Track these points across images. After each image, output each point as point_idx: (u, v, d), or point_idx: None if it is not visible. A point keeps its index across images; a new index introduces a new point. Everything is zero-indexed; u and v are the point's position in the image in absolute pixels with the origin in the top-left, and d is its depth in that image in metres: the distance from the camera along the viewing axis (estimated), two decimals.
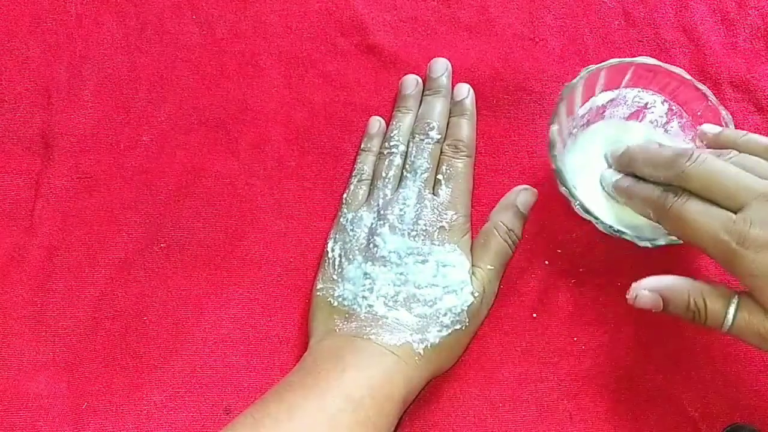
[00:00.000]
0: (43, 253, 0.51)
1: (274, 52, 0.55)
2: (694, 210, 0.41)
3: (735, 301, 0.40)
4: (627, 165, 0.47)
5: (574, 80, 0.46)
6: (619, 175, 0.47)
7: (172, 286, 0.50)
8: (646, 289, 0.42)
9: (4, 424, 0.47)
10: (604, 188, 0.48)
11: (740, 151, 0.43)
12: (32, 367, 0.49)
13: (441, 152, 0.50)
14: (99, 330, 0.49)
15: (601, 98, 0.49)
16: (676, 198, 0.42)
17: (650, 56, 0.51)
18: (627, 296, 0.43)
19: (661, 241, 0.44)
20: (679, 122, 0.49)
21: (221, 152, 0.53)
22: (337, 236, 0.49)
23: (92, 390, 0.48)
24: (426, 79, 0.53)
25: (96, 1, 0.56)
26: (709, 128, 0.47)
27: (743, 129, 0.52)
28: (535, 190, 0.49)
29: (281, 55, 0.55)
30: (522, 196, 0.49)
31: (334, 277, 0.48)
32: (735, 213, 0.40)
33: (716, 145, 0.46)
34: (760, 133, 0.52)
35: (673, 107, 0.48)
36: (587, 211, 0.45)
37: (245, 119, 0.53)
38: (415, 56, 0.54)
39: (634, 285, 0.43)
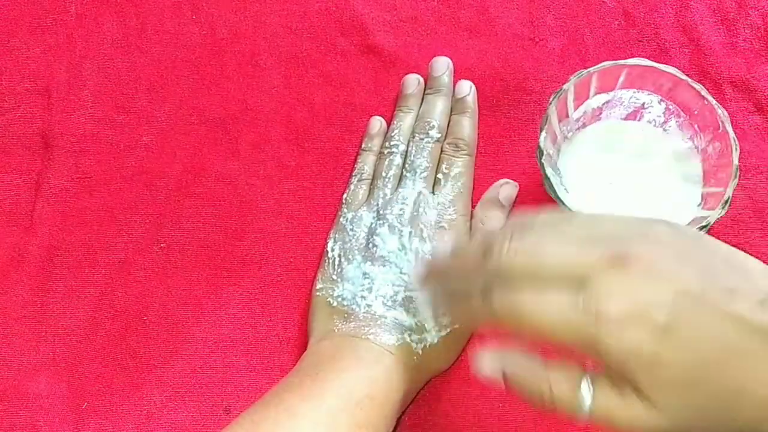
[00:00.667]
0: (43, 253, 0.51)
1: (274, 52, 0.55)
2: (530, 302, 0.33)
3: (586, 380, 0.33)
4: (429, 281, 0.40)
5: (564, 86, 0.46)
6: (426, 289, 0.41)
7: (172, 286, 0.50)
8: (488, 361, 0.36)
9: (4, 424, 0.47)
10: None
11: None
12: (32, 367, 0.49)
13: (441, 151, 0.50)
14: (99, 330, 0.49)
15: (596, 100, 0.49)
16: (495, 293, 0.34)
17: (650, 56, 0.51)
18: (471, 365, 0.37)
19: None
20: (676, 121, 0.49)
21: (221, 152, 0.53)
22: (336, 236, 0.49)
23: (92, 390, 0.48)
24: (427, 79, 0.53)
25: (96, 1, 0.56)
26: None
27: (743, 129, 0.52)
28: (516, 183, 0.49)
29: (281, 55, 0.55)
30: (504, 190, 0.49)
31: (334, 277, 0.48)
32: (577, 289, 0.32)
33: (488, 213, 0.44)
34: (760, 134, 0.52)
35: (670, 107, 0.48)
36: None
37: (245, 119, 0.53)
38: (415, 56, 0.54)
39: (479, 352, 0.37)
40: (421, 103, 0.52)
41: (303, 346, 0.48)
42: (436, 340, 0.45)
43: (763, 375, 0.31)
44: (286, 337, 0.49)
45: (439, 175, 0.50)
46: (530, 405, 0.35)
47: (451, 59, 0.53)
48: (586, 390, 0.33)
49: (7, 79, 0.54)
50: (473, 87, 0.52)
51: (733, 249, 0.34)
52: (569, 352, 0.33)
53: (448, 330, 0.45)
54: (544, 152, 0.45)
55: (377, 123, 0.52)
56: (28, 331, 0.49)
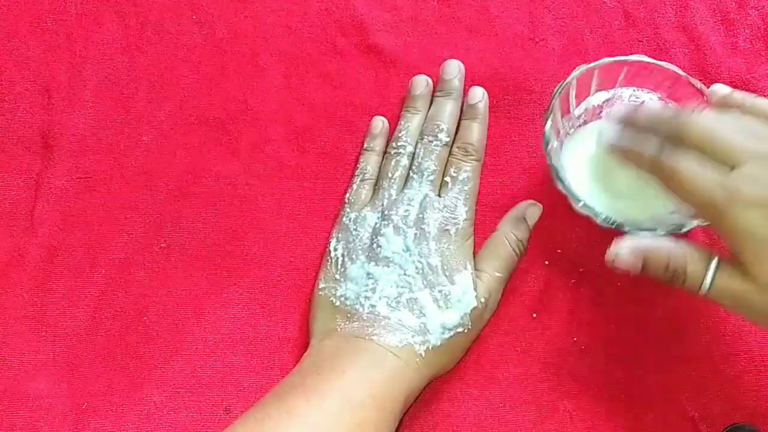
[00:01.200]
0: (43, 253, 0.51)
1: (274, 52, 0.55)
2: (689, 163, 0.39)
3: (714, 263, 0.40)
4: (629, 122, 0.45)
5: (567, 79, 0.46)
6: (619, 131, 0.46)
7: (172, 286, 0.50)
8: (626, 248, 0.41)
9: (4, 424, 0.47)
10: (600, 145, 0.47)
11: (745, 113, 0.42)
12: (32, 367, 0.49)
13: (450, 154, 0.50)
14: (99, 330, 0.49)
15: (596, 98, 0.49)
16: (672, 151, 0.41)
17: (650, 56, 0.51)
18: (606, 257, 0.42)
19: (661, 233, 0.44)
20: None
21: (221, 152, 0.53)
22: (339, 235, 0.49)
23: (92, 390, 0.48)
24: (437, 80, 0.53)
25: (96, 1, 0.56)
26: (720, 88, 0.46)
27: None
28: (541, 206, 0.50)
29: (281, 55, 0.55)
30: (531, 210, 0.50)
31: (337, 276, 0.48)
32: (730, 170, 0.38)
33: (722, 105, 0.45)
34: None
35: (670, 104, 0.48)
36: (584, 205, 0.45)
37: (245, 119, 0.53)
38: (416, 56, 0.54)
39: (613, 245, 0.42)
40: (430, 105, 0.52)
41: (303, 346, 0.48)
42: (439, 343, 0.45)
43: None
44: (286, 337, 0.49)
45: (447, 179, 0.50)
46: (661, 282, 0.41)
47: (451, 59, 0.53)
48: (713, 268, 0.39)
49: (7, 79, 0.54)
50: (486, 94, 0.52)
51: None
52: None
53: (452, 333, 0.45)
54: (550, 143, 0.45)
55: (380, 123, 0.52)
56: (28, 331, 0.49)
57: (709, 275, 0.39)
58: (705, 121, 0.40)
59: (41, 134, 0.53)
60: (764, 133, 0.40)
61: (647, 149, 0.42)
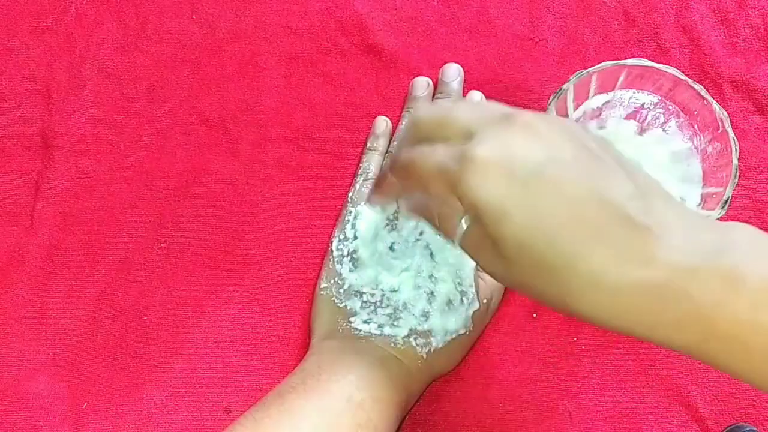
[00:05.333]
0: (43, 253, 0.51)
1: (274, 52, 0.55)
2: (422, 151, 0.35)
3: (465, 219, 0.34)
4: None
5: (564, 86, 0.46)
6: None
7: (172, 286, 0.50)
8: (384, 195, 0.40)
9: (4, 424, 0.47)
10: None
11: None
12: (32, 367, 0.49)
13: None
14: (99, 330, 0.49)
15: (595, 101, 0.49)
16: (407, 149, 0.36)
17: (650, 56, 0.51)
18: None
19: None
20: (676, 121, 0.49)
21: (221, 152, 0.53)
22: (341, 235, 0.49)
23: (92, 390, 0.48)
24: (437, 83, 0.53)
25: (96, 1, 0.56)
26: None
27: (743, 129, 0.52)
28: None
29: (281, 55, 0.55)
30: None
31: (338, 276, 0.48)
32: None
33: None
34: (760, 134, 0.52)
35: (670, 107, 0.48)
36: None
37: (245, 119, 0.53)
38: (415, 56, 0.54)
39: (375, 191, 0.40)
40: None
41: (303, 346, 0.48)
42: (441, 344, 0.45)
43: (600, 254, 0.30)
44: (286, 337, 0.49)
45: None
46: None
47: (451, 59, 0.53)
48: (462, 227, 0.34)
49: (7, 78, 0.54)
50: (483, 98, 0.52)
51: (631, 161, 0.34)
52: None
53: (454, 335, 0.45)
54: None
55: (383, 123, 0.52)
56: (28, 331, 0.49)
57: (462, 224, 0.34)
58: (431, 108, 0.36)
59: (41, 134, 0.53)
60: (487, 107, 0.35)
61: (389, 159, 0.38)
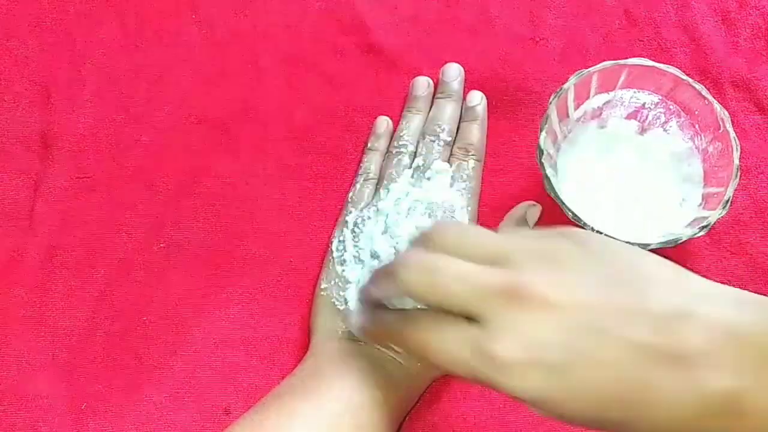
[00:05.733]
0: (43, 253, 0.51)
1: (274, 52, 0.55)
2: (426, 329, 0.33)
3: None
4: (366, 294, 0.38)
5: (565, 85, 0.46)
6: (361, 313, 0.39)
7: (172, 286, 0.50)
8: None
9: (4, 424, 0.47)
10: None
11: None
12: (32, 367, 0.49)
13: (450, 155, 0.50)
14: (99, 330, 0.49)
15: (596, 100, 0.49)
16: (404, 320, 0.34)
17: (651, 56, 0.51)
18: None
19: (653, 246, 0.44)
20: (677, 121, 0.49)
21: (221, 152, 0.53)
22: (342, 235, 0.49)
23: (92, 390, 0.48)
24: (437, 83, 0.53)
25: (96, 1, 0.56)
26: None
27: (744, 129, 0.52)
28: (541, 206, 0.49)
29: (281, 55, 0.55)
30: (531, 211, 0.49)
31: (339, 276, 0.48)
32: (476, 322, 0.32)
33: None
34: (761, 133, 0.52)
35: (671, 106, 0.48)
36: (576, 218, 0.45)
37: (245, 119, 0.53)
38: (416, 56, 0.54)
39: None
40: (430, 107, 0.52)
41: (303, 346, 0.48)
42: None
43: (662, 398, 0.30)
44: (286, 337, 0.49)
45: None
46: None
47: (451, 59, 0.53)
48: None
49: (7, 78, 0.54)
50: (484, 98, 0.52)
51: (637, 255, 0.33)
52: None
53: None
54: (545, 152, 0.45)
55: (384, 123, 0.52)
56: (28, 331, 0.49)
57: None
58: (415, 272, 0.33)
59: (41, 134, 0.53)
60: (482, 249, 0.33)
61: (382, 321, 0.36)
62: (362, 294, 0.38)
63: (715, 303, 0.31)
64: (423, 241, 0.35)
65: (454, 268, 0.32)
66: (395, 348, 0.39)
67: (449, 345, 0.32)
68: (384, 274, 0.35)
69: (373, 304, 0.37)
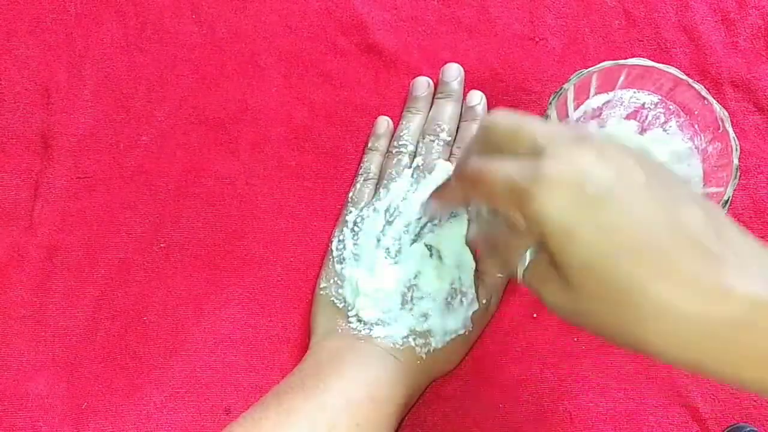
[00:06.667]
0: (43, 253, 0.51)
1: (274, 52, 0.55)
2: (492, 162, 0.33)
3: (531, 250, 0.34)
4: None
5: (565, 86, 0.46)
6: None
7: (172, 286, 0.50)
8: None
9: (4, 424, 0.47)
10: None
11: None
12: (32, 367, 0.49)
13: (451, 154, 0.50)
14: (99, 330, 0.49)
15: (596, 100, 0.49)
16: (475, 158, 0.35)
17: (650, 56, 0.51)
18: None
19: None
20: (677, 121, 0.49)
21: (221, 152, 0.53)
22: (341, 235, 0.49)
23: (92, 390, 0.48)
24: (437, 83, 0.53)
25: (96, 1, 0.56)
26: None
27: (743, 129, 0.52)
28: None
29: (281, 55, 0.55)
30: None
31: (338, 276, 0.48)
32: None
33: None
34: (761, 134, 0.52)
35: (671, 106, 0.48)
36: None
37: (245, 119, 0.53)
38: (416, 56, 0.54)
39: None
40: (430, 107, 0.52)
41: (303, 346, 0.48)
42: (440, 345, 0.45)
43: (673, 280, 0.29)
44: (286, 337, 0.49)
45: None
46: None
47: (451, 59, 0.53)
48: (526, 258, 0.33)
49: (7, 78, 0.54)
50: (484, 97, 0.52)
51: (699, 194, 0.33)
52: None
53: (453, 336, 0.45)
54: None
55: (384, 123, 0.52)
56: (28, 331, 0.49)
57: (528, 254, 0.33)
58: (505, 116, 0.35)
59: (41, 134, 0.53)
60: (560, 126, 0.35)
61: (455, 166, 0.37)
62: (456, 166, 0.38)
63: (750, 237, 0.31)
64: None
65: (534, 120, 0.33)
66: (455, 199, 0.39)
67: (505, 168, 0.32)
68: (478, 129, 0.36)
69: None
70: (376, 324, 0.45)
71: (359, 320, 0.45)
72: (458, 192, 0.37)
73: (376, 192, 0.50)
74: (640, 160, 0.31)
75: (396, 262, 0.46)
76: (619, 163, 0.31)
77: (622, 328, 0.30)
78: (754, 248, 0.31)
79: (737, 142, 0.45)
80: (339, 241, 0.49)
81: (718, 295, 0.29)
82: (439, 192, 0.40)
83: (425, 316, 0.45)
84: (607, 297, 0.30)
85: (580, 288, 0.30)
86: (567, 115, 0.48)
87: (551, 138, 0.32)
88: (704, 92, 0.46)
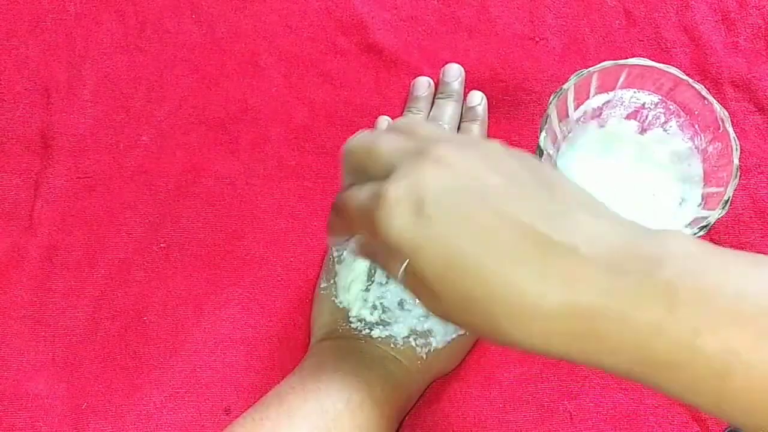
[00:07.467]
0: (43, 253, 0.51)
1: (274, 52, 0.55)
2: (351, 192, 0.34)
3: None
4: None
5: (565, 86, 0.46)
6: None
7: (172, 286, 0.50)
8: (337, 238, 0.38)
9: (4, 424, 0.47)
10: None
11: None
12: (32, 367, 0.49)
13: None
14: (99, 330, 0.49)
15: (596, 100, 0.49)
16: (345, 192, 0.35)
17: (651, 56, 0.51)
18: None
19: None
20: (677, 121, 0.49)
21: (221, 152, 0.53)
22: None
23: (92, 390, 0.48)
24: (438, 83, 0.53)
25: (96, 1, 0.56)
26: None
27: (744, 129, 0.52)
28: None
29: (281, 55, 0.55)
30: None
31: (339, 276, 0.48)
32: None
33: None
34: (761, 133, 0.52)
35: (671, 106, 0.48)
36: None
37: (245, 119, 0.53)
38: (416, 56, 0.54)
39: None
40: (431, 107, 0.52)
41: (303, 346, 0.48)
42: (440, 345, 0.45)
43: (521, 282, 0.29)
44: (286, 337, 0.49)
45: None
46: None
47: (451, 59, 0.53)
48: (401, 267, 0.33)
49: (7, 78, 0.54)
50: (484, 98, 0.52)
51: (561, 176, 0.32)
52: None
53: (454, 335, 0.45)
54: (545, 152, 0.45)
55: (384, 122, 0.52)
56: (28, 331, 0.49)
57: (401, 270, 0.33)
58: (354, 143, 0.35)
59: (41, 134, 0.53)
60: (413, 128, 0.34)
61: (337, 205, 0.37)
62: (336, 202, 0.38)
63: (608, 219, 0.30)
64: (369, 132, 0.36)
65: (384, 139, 0.34)
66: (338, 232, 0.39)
67: (361, 196, 0.33)
68: (345, 151, 0.36)
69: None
70: (377, 324, 0.45)
71: (360, 320, 0.45)
72: (338, 223, 0.37)
73: None
74: (487, 163, 0.31)
75: None
76: (457, 171, 0.31)
77: (490, 332, 0.30)
78: (611, 232, 0.30)
79: (737, 142, 0.45)
80: None
81: (565, 285, 0.28)
82: (328, 224, 0.39)
83: (426, 316, 0.45)
84: (467, 304, 0.30)
85: (440, 294, 0.30)
86: (567, 115, 0.48)
87: (398, 156, 0.32)
88: (704, 92, 0.46)
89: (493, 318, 0.29)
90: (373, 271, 0.46)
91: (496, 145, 0.33)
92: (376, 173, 0.33)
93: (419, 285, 0.31)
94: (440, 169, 0.31)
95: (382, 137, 0.34)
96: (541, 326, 0.29)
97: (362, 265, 0.47)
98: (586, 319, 0.28)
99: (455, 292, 0.30)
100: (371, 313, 0.45)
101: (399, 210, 0.30)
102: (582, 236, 0.29)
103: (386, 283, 0.46)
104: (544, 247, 0.29)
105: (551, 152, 0.47)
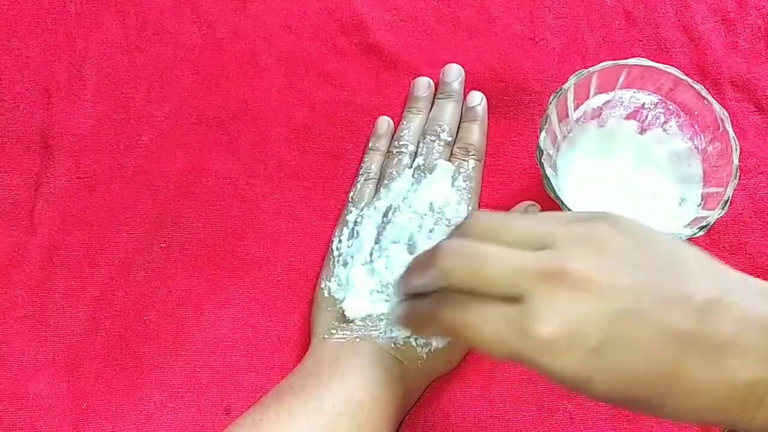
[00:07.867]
0: (43, 253, 0.51)
1: (274, 52, 0.55)
2: (465, 310, 0.32)
3: None
4: (403, 285, 0.38)
5: (565, 86, 0.46)
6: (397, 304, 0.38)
7: (172, 286, 0.50)
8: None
9: (4, 424, 0.47)
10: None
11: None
12: (32, 367, 0.49)
13: (451, 154, 0.50)
14: (99, 330, 0.49)
15: (596, 101, 0.49)
16: (441, 303, 0.33)
17: (650, 56, 0.51)
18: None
19: None
20: (677, 121, 0.49)
21: (221, 152, 0.53)
22: (342, 234, 0.49)
23: (92, 390, 0.48)
24: (438, 83, 0.53)
25: (96, 1, 0.56)
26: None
27: (743, 129, 0.52)
28: (539, 206, 0.48)
29: (281, 55, 0.55)
30: (530, 210, 0.48)
31: (339, 275, 0.48)
32: (516, 302, 0.32)
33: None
34: (761, 133, 0.52)
35: (671, 107, 0.48)
36: None
37: (245, 119, 0.53)
38: (416, 56, 0.54)
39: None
40: (431, 107, 0.52)
41: (303, 346, 0.48)
42: (441, 345, 0.45)
43: (691, 384, 0.31)
44: (286, 337, 0.49)
45: None
46: None
47: (451, 59, 0.53)
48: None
49: (7, 78, 0.54)
50: (484, 98, 0.52)
51: (675, 243, 0.33)
52: None
53: None
54: (544, 152, 0.45)
55: (385, 123, 0.52)
56: (28, 331, 0.49)
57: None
58: (458, 256, 0.33)
59: (41, 134, 0.53)
60: (526, 236, 0.33)
61: (418, 309, 0.35)
62: (399, 286, 0.38)
63: (745, 294, 0.32)
64: (461, 229, 0.35)
65: (494, 252, 0.32)
66: (434, 334, 0.40)
67: (489, 324, 0.32)
68: (422, 263, 0.35)
69: (410, 295, 0.37)
70: (377, 324, 0.45)
71: (360, 320, 0.45)
72: (421, 325, 0.36)
73: (376, 192, 0.50)
74: (627, 261, 0.32)
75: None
76: (604, 291, 0.31)
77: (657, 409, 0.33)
78: (752, 310, 0.32)
79: (737, 142, 0.45)
80: (339, 240, 0.49)
81: (726, 383, 0.31)
82: (407, 320, 0.37)
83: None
84: (634, 408, 0.33)
85: (604, 397, 0.32)
86: (567, 116, 0.48)
87: (520, 279, 0.31)
88: (704, 92, 0.46)
89: (661, 415, 0.33)
90: (373, 271, 0.47)
91: (603, 227, 0.33)
92: (491, 294, 0.32)
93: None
94: (583, 294, 0.31)
95: (487, 256, 0.32)
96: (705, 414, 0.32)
97: (362, 265, 0.47)
98: (744, 399, 0.31)
99: (623, 405, 0.33)
100: (371, 313, 0.45)
101: (560, 350, 0.31)
102: (731, 328, 0.31)
103: (386, 283, 0.46)
104: (699, 348, 0.31)
105: (551, 152, 0.47)
